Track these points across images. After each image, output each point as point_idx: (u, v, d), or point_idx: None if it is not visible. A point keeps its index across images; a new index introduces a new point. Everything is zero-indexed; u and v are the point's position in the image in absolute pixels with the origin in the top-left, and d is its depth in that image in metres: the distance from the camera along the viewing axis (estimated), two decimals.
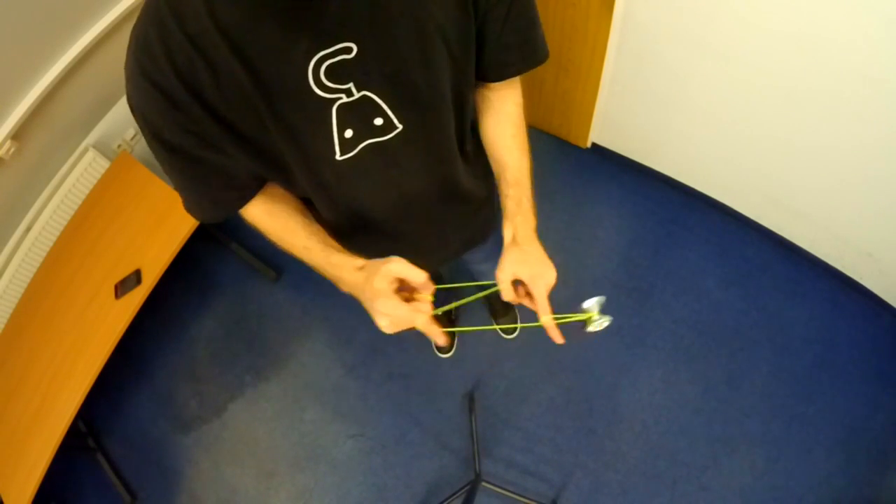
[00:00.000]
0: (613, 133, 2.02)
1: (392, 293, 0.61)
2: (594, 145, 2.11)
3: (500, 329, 1.90)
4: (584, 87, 1.81)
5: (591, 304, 0.69)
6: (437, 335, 0.60)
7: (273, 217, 0.77)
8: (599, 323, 0.69)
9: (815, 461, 1.60)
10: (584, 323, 0.70)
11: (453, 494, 1.62)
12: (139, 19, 0.58)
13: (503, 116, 0.79)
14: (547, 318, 0.68)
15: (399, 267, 0.61)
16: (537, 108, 2.05)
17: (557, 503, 1.66)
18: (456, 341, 1.92)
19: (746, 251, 1.89)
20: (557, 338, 0.67)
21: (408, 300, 0.62)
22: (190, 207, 0.75)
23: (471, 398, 1.82)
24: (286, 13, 0.56)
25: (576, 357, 1.81)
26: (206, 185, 0.70)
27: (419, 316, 0.60)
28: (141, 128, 0.63)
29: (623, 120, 1.92)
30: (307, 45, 0.58)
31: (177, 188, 0.72)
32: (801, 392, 1.68)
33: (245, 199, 0.74)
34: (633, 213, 2.02)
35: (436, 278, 1.66)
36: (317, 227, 0.77)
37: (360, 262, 0.68)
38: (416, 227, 0.89)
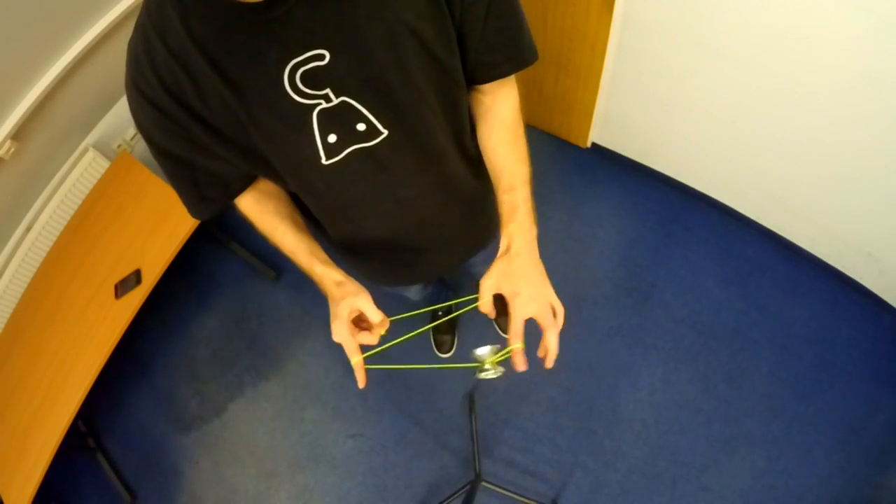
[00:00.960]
0: (613, 133, 2.02)
1: (348, 321, 0.71)
2: (594, 145, 2.11)
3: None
4: (584, 87, 1.81)
5: (485, 351, 0.70)
6: (360, 380, 0.70)
7: (263, 215, 0.79)
8: (494, 372, 0.70)
9: (814, 461, 1.60)
10: (476, 369, 0.71)
11: (453, 494, 1.62)
12: (132, 35, 0.62)
13: (496, 122, 0.77)
14: (518, 345, 0.68)
15: (362, 303, 0.71)
16: (537, 108, 2.05)
17: (557, 503, 1.66)
18: (456, 341, 1.92)
19: (746, 251, 1.88)
20: (520, 365, 0.68)
21: (364, 328, 0.74)
22: (186, 205, 0.78)
23: (471, 398, 1.82)
24: (253, 26, 0.58)
25: (576, 357, 1.81)
26: (196, 185, 0.74)
27: (353, 357, 0.70)
28: (139, 132, 0.68)
29: (623, 120, 1.92)
30: (278, 54, 0.60)
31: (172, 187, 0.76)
32: (801, 392, 1.68)
33: (232, 196, 0.78)
34: (633, 213, 2.02)
35: (437, 279, 1.65)
36: (305, 235, 0.79)
37: (339, 276, 0.75)
38: (415, 234, 0.89)
